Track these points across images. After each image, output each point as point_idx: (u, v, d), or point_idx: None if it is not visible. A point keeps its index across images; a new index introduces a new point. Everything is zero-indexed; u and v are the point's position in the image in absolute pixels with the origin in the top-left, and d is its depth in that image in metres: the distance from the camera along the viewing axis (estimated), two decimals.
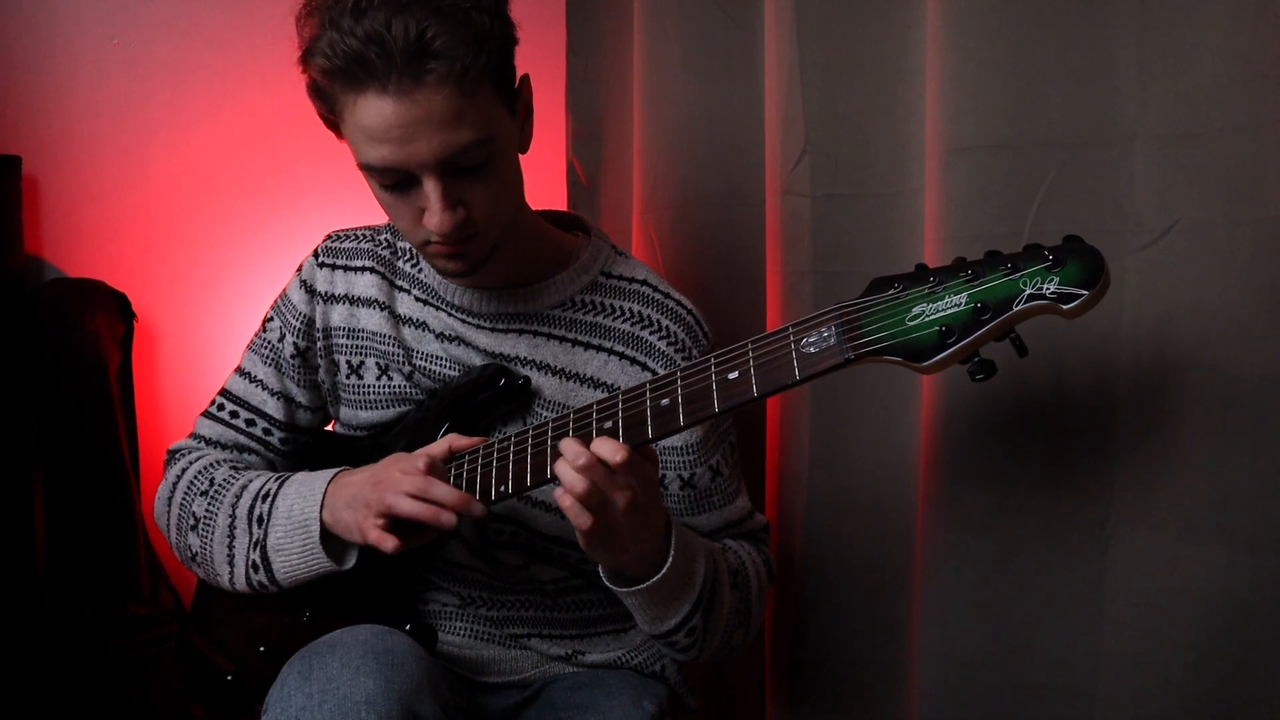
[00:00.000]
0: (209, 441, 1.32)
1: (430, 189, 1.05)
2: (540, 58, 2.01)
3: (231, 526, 1.19)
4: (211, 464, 1.27)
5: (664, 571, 1.05)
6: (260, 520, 1.16)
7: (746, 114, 1.51)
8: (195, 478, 1.26)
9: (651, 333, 1.21)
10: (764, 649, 1.57)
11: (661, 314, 1.22)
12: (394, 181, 1.07)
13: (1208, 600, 1.07)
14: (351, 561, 1.14)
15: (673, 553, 1.05)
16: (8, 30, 1.90)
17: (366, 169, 1.07)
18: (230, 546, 1.19)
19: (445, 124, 1.01)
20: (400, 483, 1.06)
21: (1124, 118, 1.08)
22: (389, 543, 1.06)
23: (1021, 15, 1.12)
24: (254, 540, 1.16)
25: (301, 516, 1.13)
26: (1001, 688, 1.22)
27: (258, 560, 1.16)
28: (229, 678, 1.30)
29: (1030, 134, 1.13)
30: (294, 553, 1.14)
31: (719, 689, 1.64)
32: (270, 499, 1.16)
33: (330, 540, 1.13)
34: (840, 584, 1.41)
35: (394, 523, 1.07)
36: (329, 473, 1.16)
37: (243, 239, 2.02)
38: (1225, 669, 1.07)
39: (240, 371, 1.33)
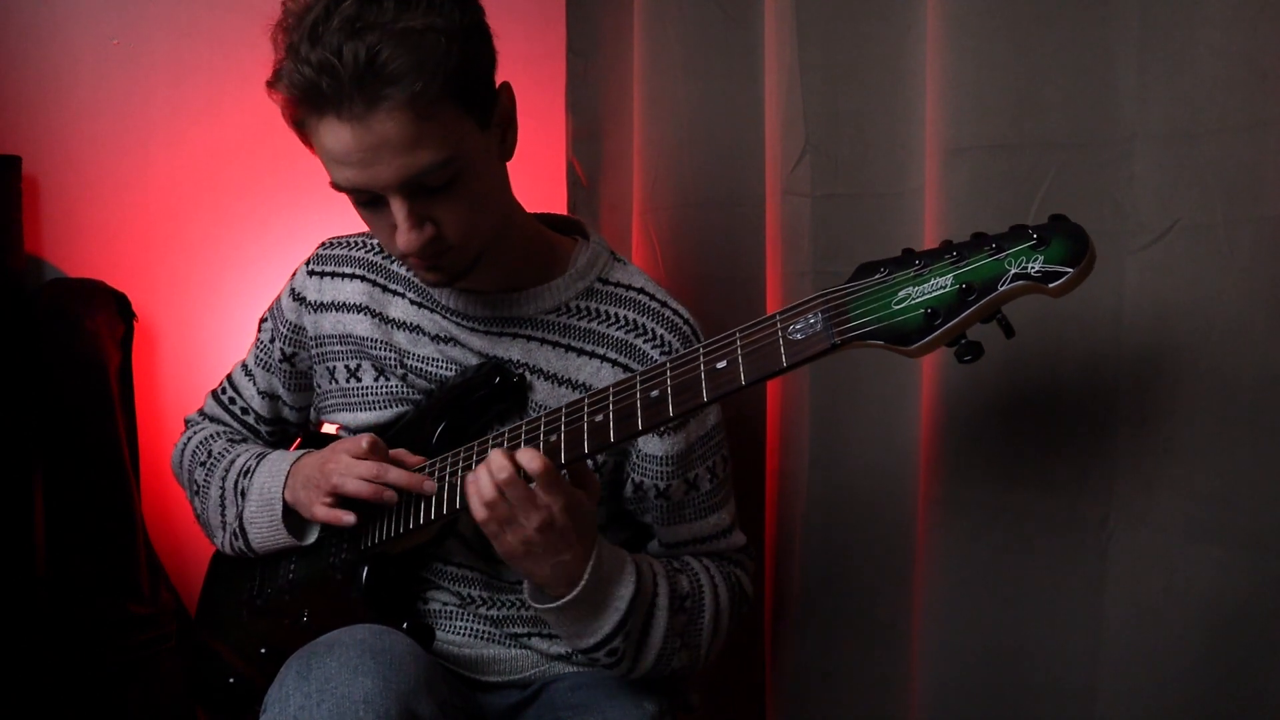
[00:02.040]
0: (211, 419, 1.44)
1: (396, 209, 1.06)
2: (540, 58, 2.02)
3: (222, 497, 1.31)
4: (211, 436, 1.40)
5: (573, 594, 1.06)
6: (243, 494, 1.28)
7: (746, 114, 1.51)
8: (197, 448, 1.39)
9: (646, 341, 1.21)
10: (764, 648, 1.57)
11: (657, 323, 1.22)
12: (365, 200, 1.08)
13: (1208, 600, 1.07)
14: (312, 537, 1.26)
15: (584, 579, 1.06)
16: (8, 30, 1.90)
17: (336, 189, 1.09)
18: (222, 515, 1.31)
19: (402, 148, 1.01)
20: (352, 467, 1.15)
21: (1124, 118, 1.08)
22: (341, 517, 1.16)
23: (1021, 15, 1.12)
24: (237, 511, 1.28)
25: (268, 495, 1.25)
26: (1001, 687, 1.22)
27: (237, 530, 1.28)
28: (231, 679, 1.30)
29: (1030, 134, 1.13)
30: (264, 526, 1.25)
31: (719, 688, 1.64)
32: (249, 474, 1.28)
33: (292, 516, 1.24)
34: (840, 583, 1.41)
35: (345, 500, 1.17)
36: (296, 454, 1.26)
37: (243, 239, 2.03)
38: (1225, 669, 1.07)
39: (243, 362, 1.43)
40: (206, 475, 1.35)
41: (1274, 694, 1.04)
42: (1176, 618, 1.09)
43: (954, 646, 1.25)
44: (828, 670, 1.45)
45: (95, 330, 1.86)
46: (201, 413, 1.46)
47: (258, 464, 1.28)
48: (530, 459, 1.01)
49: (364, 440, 1.16)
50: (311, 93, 1.00)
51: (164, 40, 1.97)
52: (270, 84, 1.06)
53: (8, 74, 1.90)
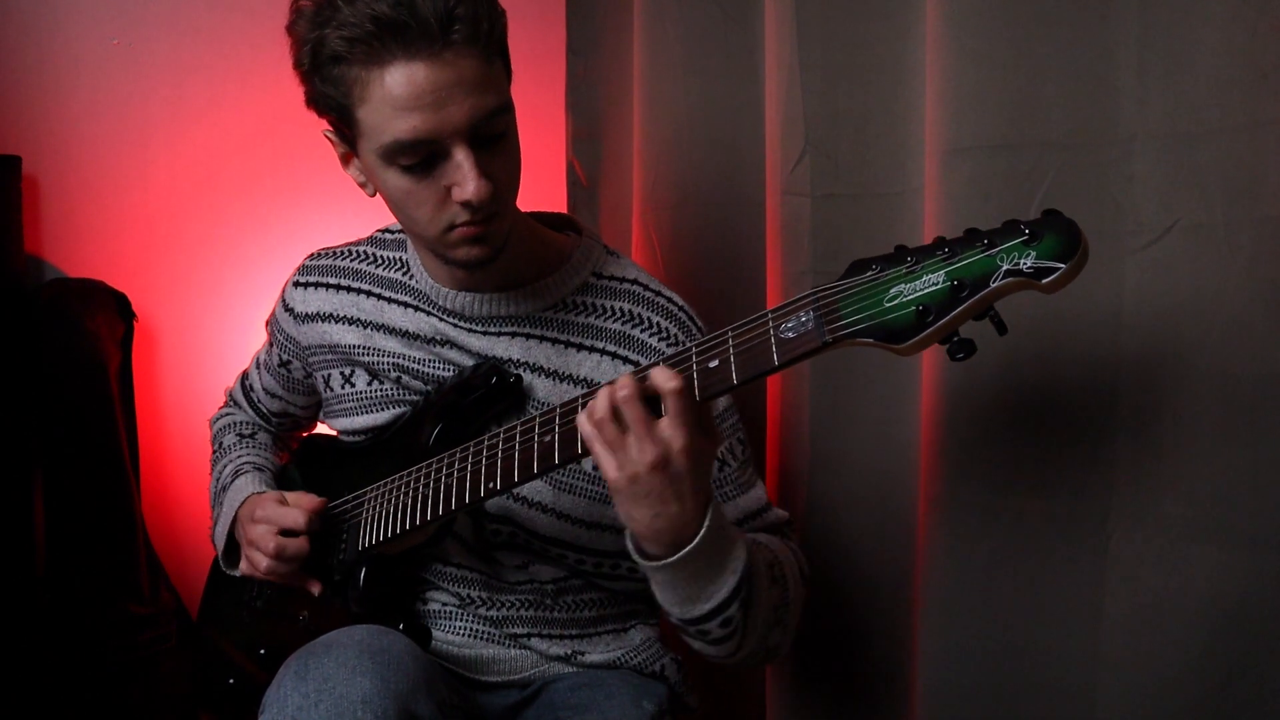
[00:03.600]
0: (234, 403, 1.53)
1: (463, 158, 1.05)
2: (540, 58, 2.02)
3: (215, 494, 1.40)
4: (224, 428, 1.49)
5: (693, 544, 0.96)
6: (220, 505, 1.36)
7: (746, 114, 1.51)
8: (215, 434, 1.50)
9: (644, 331, 1.21)
10: None
11: (653, 311, 1.22)
12: (420, 159, 1.05)
13: (1208, 600, 1.07)
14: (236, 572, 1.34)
15: (704, 529, 0.96)
16: (8, 30, 1.91)
17: (393, 150, 1.05)
18: (214, 509, 1.41)
19: (475, 86, 1.03)
20: (261, 545, 1.22)
21: (1124, 118, 1.08)
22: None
23: (1021, 15, 1.12)
24: (215, 517, 1.38)
25: (222, 527, 1.33)
26: (1001, 687, 1.22)
27: (213, 535, 1.38)
28: (231, 681, 1.30)
29: (1030, 134, 1.12)
30: (220, 546, 1.35)
31: (719, 689, 1.64)
32: (225, 490, 1.36)
33: (233, 551, 1.33)
34: (840, 584, 1.41)
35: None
36: (246, 491, 1.31)
37: (243, 239, 2.03)
38: (1225, 669, 1.07)
39: (257, 357, 1.48)
40: (213, 464, 1.45)
41: (1274, 694, 1.04)
42: (1176, 618, 1.09)
43: (954, 646, 1.25)
44: (828, 669, 1.45)
45: (95, 330, 1.86)
46: (229, 394, 1.54)
47: (233, 480, 1.36)
48: (666, 377, 0.91)
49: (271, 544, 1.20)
50: (386, 30, 1.00)
51: (164, 40, 1.97)
52: (316, 43, 1.03)
53: (8, 74, 1.90)
